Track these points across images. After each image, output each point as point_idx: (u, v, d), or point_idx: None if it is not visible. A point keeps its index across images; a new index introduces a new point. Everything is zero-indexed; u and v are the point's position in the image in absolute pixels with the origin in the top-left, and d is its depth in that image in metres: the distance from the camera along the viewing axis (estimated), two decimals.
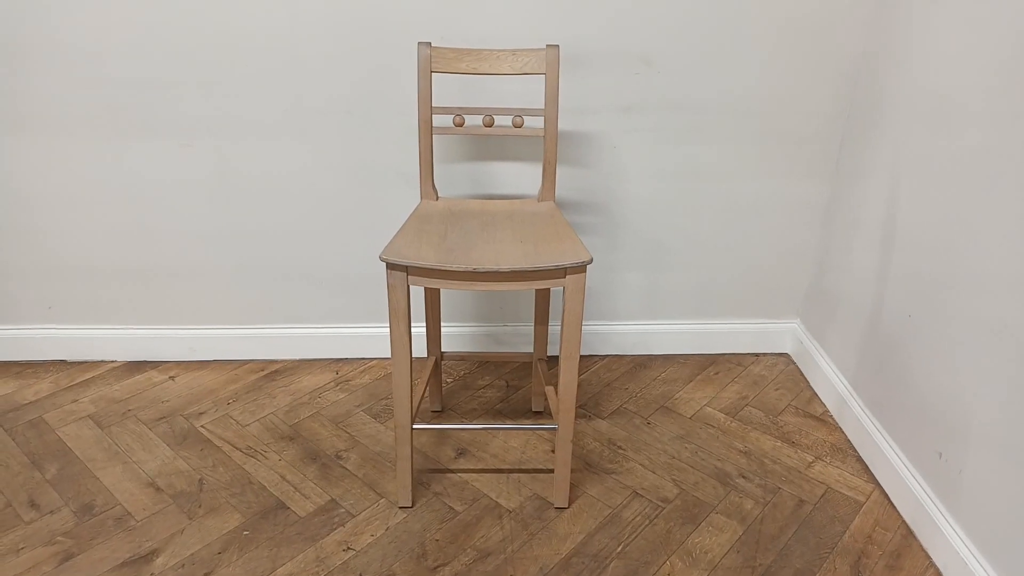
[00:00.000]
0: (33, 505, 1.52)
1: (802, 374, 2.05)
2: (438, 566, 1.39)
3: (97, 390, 1.90)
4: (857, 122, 1.78)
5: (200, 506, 1.53)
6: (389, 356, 2.09)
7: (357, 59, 1.71)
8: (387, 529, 1.48)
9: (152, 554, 1.40)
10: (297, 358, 2.07)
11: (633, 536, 1.48)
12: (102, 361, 2.03)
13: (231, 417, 1.81)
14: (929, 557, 1.44)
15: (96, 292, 1.95)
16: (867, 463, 1.69)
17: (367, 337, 2.05)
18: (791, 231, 1.98)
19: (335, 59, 1.71)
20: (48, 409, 1.82)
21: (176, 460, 1.66)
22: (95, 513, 1.50)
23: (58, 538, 1.44)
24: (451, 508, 1.54)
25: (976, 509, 1.32)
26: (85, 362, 2.03)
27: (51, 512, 1.50)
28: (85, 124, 1.74)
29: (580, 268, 1.30)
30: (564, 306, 1.34)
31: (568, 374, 1.40)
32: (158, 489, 1.57)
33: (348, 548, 1.43)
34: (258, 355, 2.06)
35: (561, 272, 1.30)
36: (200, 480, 1.60)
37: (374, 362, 2.07)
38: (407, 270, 1.30)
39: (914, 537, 1.49)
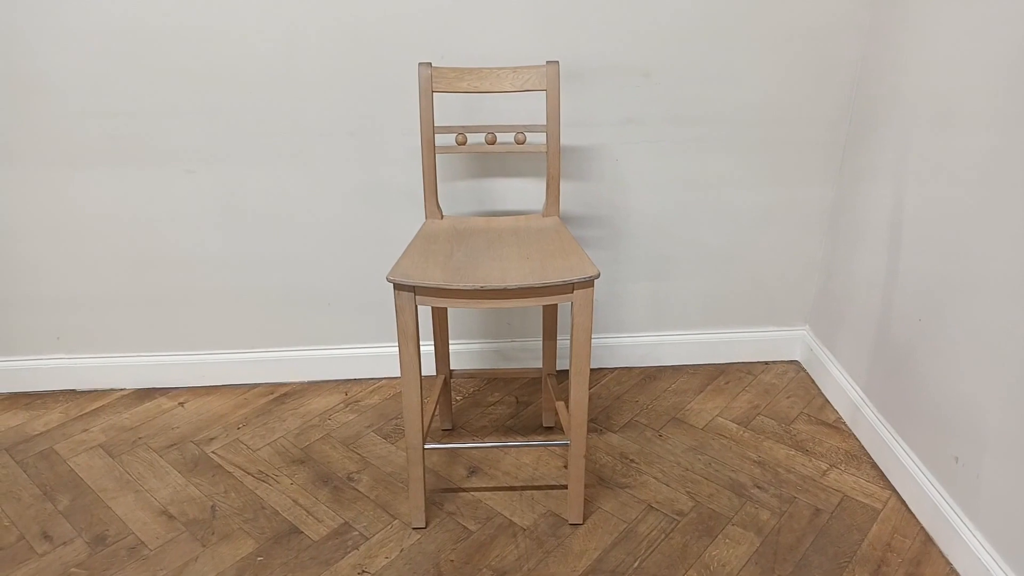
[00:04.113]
0: (46, 537, 1.52)
1: (813, 381, 2.04)
2: None
3: (107, 419, 1.90)
4: (859, 127, 1.78)
5: (213, 533, 1.52)
6: (398, 375, 2.08)
7: (358, 81, 1.72)
8: (402, 551, 1.47)
9: None
10: (306, 380, 2.07)
11: (649, 551, 1.47)
12: (111, 389, 2.03)
13: (241, 442, 1.81)
14: (950, 563, 1.42)
15: (103, 321, 1.95)
16: (883, 469, 1.67)
17: (375, 357, 2.05)
18: (797, 238, 1.97)
19: (336, 82, 1.72)
20: (58, 440, 1.82)
21: (188, 487, 1.65)
22: (108, 543, 1.50)
23: (72, 570, 1.43)
24: (465, 528, 1.53)
25: (996, 513, 1.30)
26: (94, 391, 2.03)
27: (64, 544, 1.50)
28: (86, 154, 1.75)
29: (588, 283, 1.30)
30: (572, 321, 1.33)
31: (579, 389, 1.40)
32: (171, 517, 1.57)
33: (363, 571, 1.42)
34: (267, 379, 2.06)
35: (568, 288, 1.30)
36: (212, 507, 1.59)
37: (383, 382, 2.06)
38: (414, 290, 1.30)
39: (933, 543, 1.47)
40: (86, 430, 1.86)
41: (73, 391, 2.03)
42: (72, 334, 1.97)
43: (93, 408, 1.95)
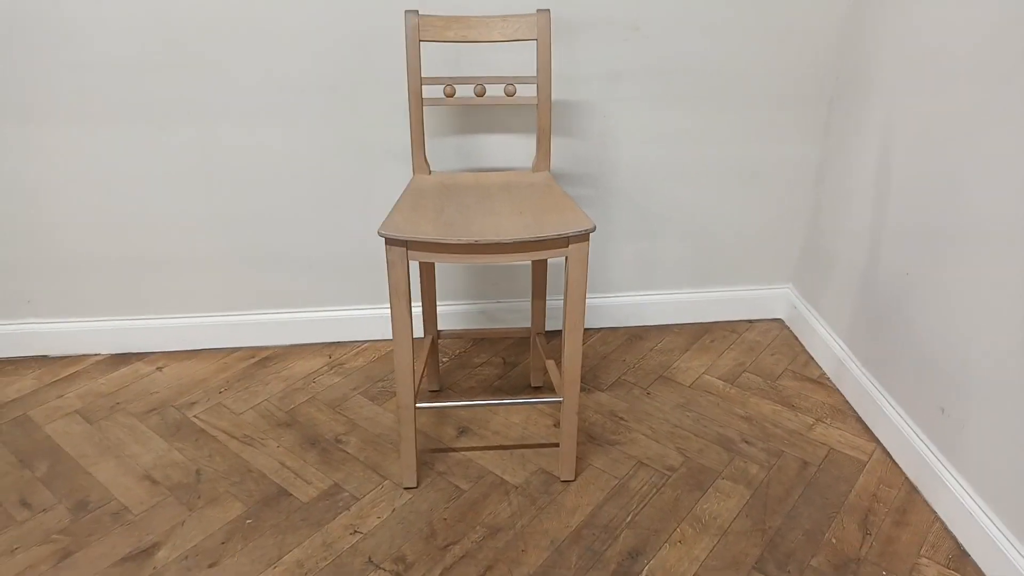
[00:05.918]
0: (25, 504, 1.47)
1: (796, 338, 2.05)
2: (448, 544, 1.38)
3: (83, 384, 1.85)
4: (846, 82, 1.77)
5: (199, 497, 1.49)
6: (382, 338, 2.05)
7: (340, 34, 1.66)
8: (394, 510, 1.46)
9: (153, 547, 1.37)
10: (288, 343, 2.03)
11: (642, 505, 1.47)
12: (86, 355, 1.97)
13: (224, 406, 1.77)
14: (934, 511, 1.45)
15: (77, 284, 1.88)
16: (867, 423, 1.70)
17: (360, 319, 2.01)
18: (783, 194, 1.97)
19: (317, 34, 1.65)
20: (33, 406, 1.77)
21: (171, 452, 1.62)
22: (90, 509, 1.46)
23: (54, 536, 1.39)
24: (457, 487, 1.52)
25: (980, 461, 1.33)
26: (68, 356, 1.97)
27: (44, 511, 1.46)
28: (58, 111, 1.67)
29: (583, 236, 1.28)
30: (567, 276, 1.31)
31: (572, 345, 1.38)
32: (154, 482, 1.53)
33: (355, 531, 1.41)
34: (247, 342, 2.01)
35: (564, 241, 1.28)
36: (197, 471, 1.56)
37: (367, 344, 2.03)
38: (407, 245, 1.26)
39: (918, 492, 1.50)
40: (61, 396, 1.80)
41: (45, 356, 1.96)
42: (43, 298, 1.90)
43: (67, 374, 1.89)
